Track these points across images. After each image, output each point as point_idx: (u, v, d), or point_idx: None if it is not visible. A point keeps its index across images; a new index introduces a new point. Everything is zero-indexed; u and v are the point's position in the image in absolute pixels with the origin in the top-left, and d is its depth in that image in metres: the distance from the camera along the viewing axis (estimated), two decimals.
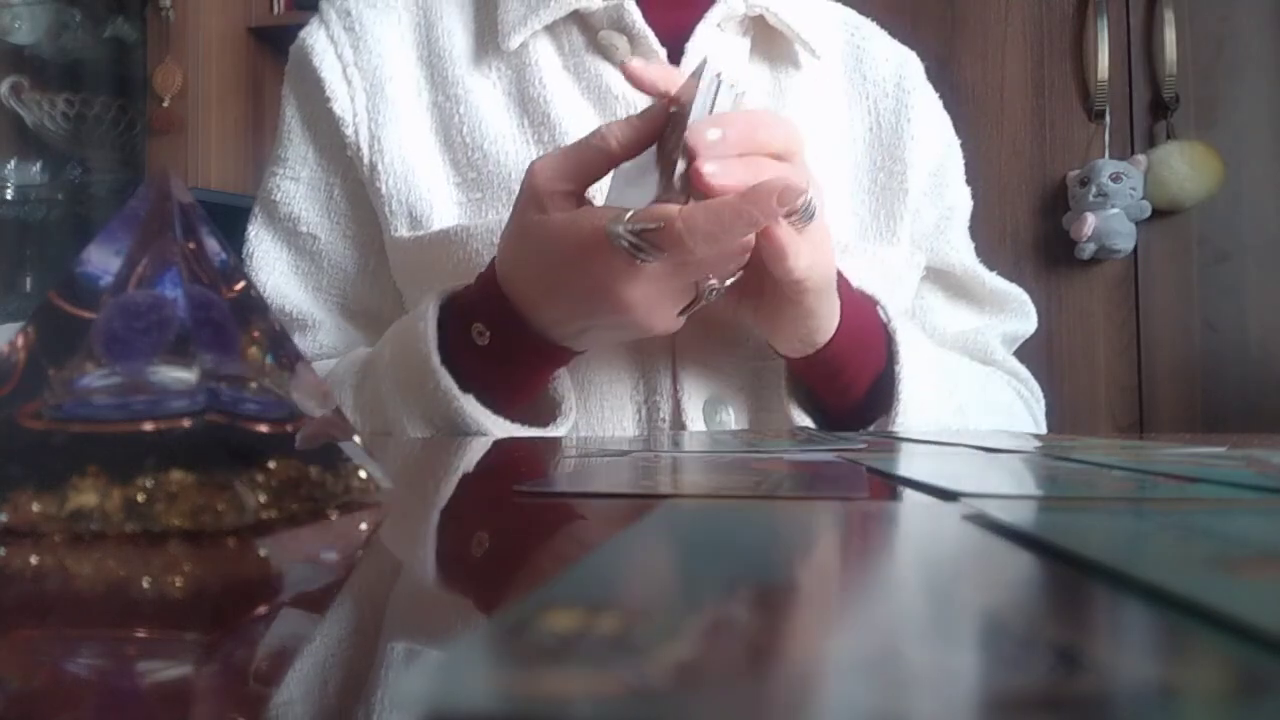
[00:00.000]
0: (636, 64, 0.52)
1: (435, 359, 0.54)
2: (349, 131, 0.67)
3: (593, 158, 0.50)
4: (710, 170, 0.45)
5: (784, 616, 0.12)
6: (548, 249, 0.50)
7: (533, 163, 0.51)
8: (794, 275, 0.49)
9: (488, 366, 0.55)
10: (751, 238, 0.47)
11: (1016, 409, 0.74)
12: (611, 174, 0.52)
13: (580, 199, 0.51)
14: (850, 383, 0.60)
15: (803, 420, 0.61)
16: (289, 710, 0.11)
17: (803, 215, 0.47)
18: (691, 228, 0.44)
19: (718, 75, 0.49)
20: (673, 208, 0.45)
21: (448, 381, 0.54)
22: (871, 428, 0.60)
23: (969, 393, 0.68)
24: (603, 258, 0.47)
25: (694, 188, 0.46)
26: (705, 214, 0.44)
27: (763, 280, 0.52)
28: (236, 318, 0.25)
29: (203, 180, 1.71)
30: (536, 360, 0.56)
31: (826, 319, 0.55)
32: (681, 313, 0.52)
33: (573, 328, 0.53)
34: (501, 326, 0.54)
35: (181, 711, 0.11)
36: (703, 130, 0.46)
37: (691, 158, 0.45)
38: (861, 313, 0.60)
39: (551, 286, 0.51)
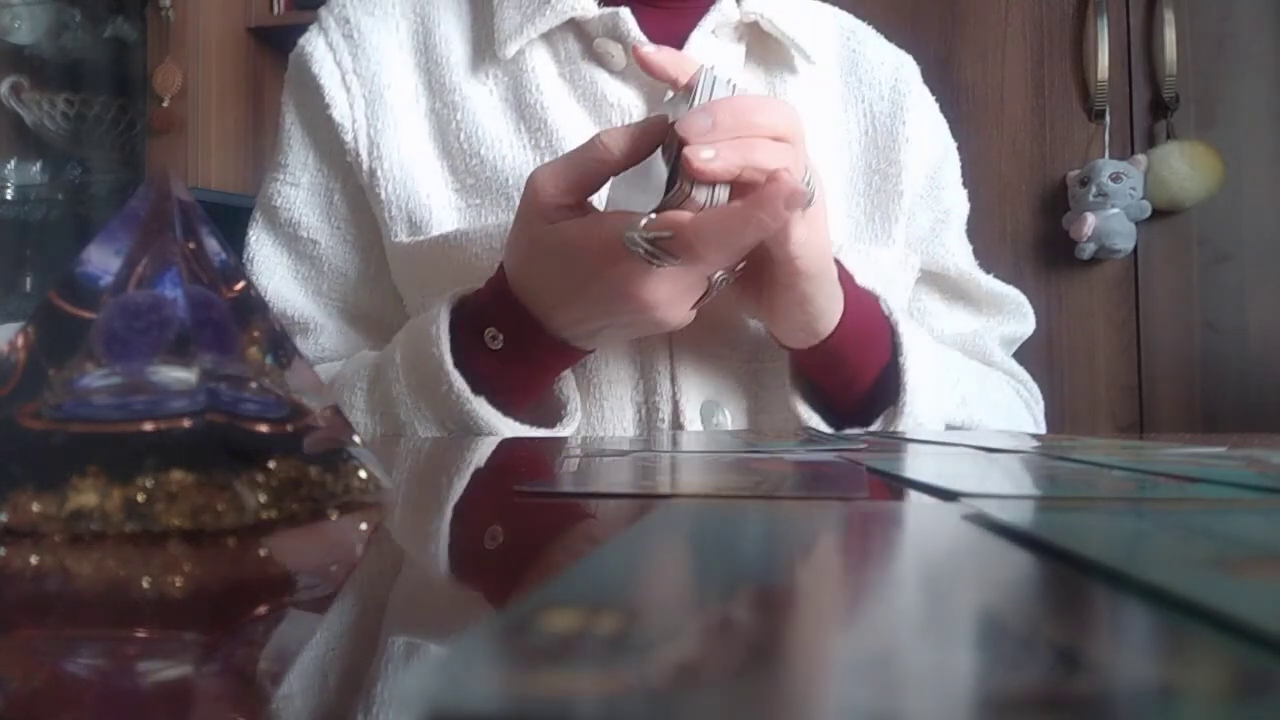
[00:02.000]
0: (648, 49, 0.52)
1: (449, 362, 0.55)
2: (348, 138, 0.67)
3: (593, 168, 0.50)
4: (703, 156, 0.45)
5: (784, 616, 0.12)
6: (562, 257, 0.51)
7: (533, 174, 0.51)
8: (789, 254, 0.50)
9: (500, 369, 0.56)
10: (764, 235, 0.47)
11: (1016, 407, 0.74)
12: (611, 180, 0.53)
13: (583, 208, 0.52)
14: (854, 376, 0.61)
15: (808, 415, 0.61)
16: (290, 710, 0.11)
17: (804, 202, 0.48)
18: (703, 235, 0.45)
19: (713, 69, 0.49)
20: (685, 215, 0.46)
21: (461, 384, 0.55)
22: (878, 421, 0.61)
23: (970, 388, 0.69)
24: (620, 263, 0.49)
25: (686, 175, 0.46)
26: (716, 221, 0.45)
27: (762, 271, 0.52)
28: (236, 318, 0.25)
29: (203, 180, 1.71)
30: (548, 360, 0.57)
31: (827, 307, 0.56)
32: (694, 305, 0.53)
33: (589, 327, 0.55)
34: (514, 330, 0.55)
35: (181, 711, 0.11)
36: (693, 118, 0.46)
37: (682, 146, 0.45)
38: (864, 306, 0.60)
39: (568, 291, 0.52)
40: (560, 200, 0.51)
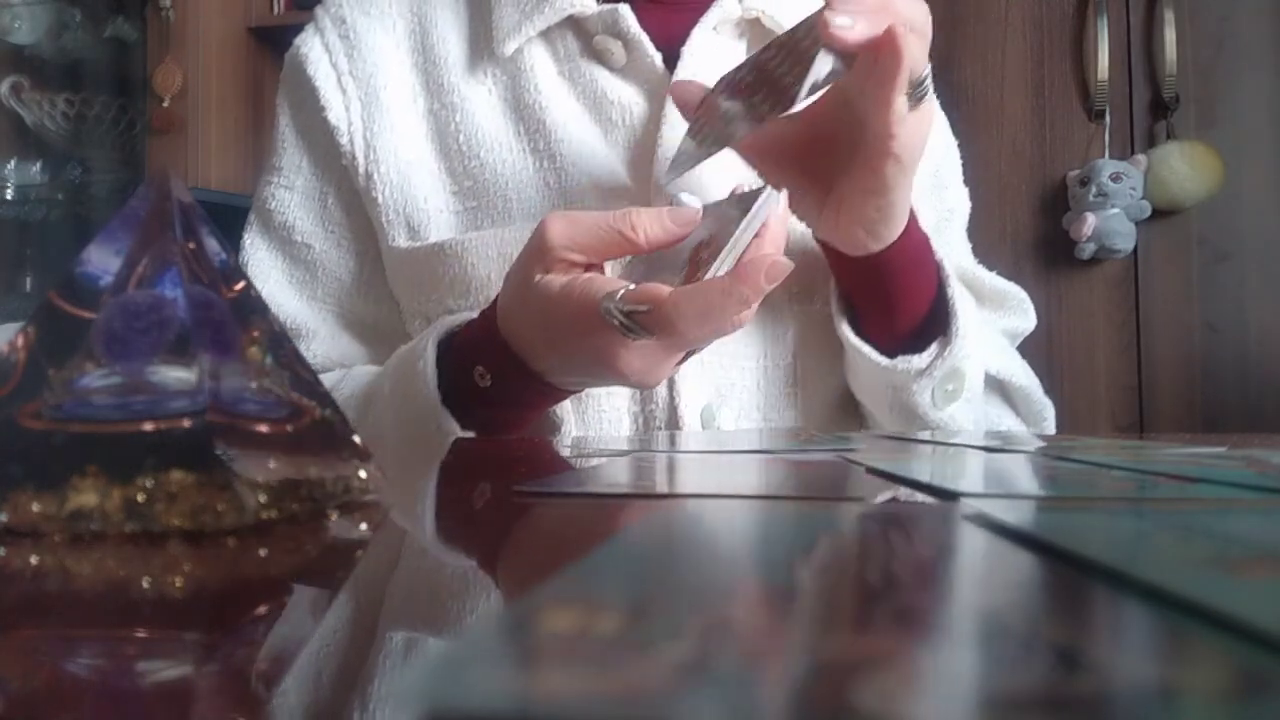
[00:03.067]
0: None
1: (437, 399, 0.55)
2: (344, 140, 0.67)
3: (614, 241, 0.49)
4: (839, 22, 0.45)
5: (784, 616, 0.12)
6: (546, 312, 0.50)
7: (548, 217, 0.50)
8: (887, 127, 0.49)
9: (489, 405, 0.56)
10: (745, 314, 0.45)
11: (1033, 378, 0.73)
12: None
13: (589, 266, 0.50)
14: (903, 298, 0.59)
15: (858, 343, 0.60)
16: (290, 710, 0.11)
17: (917, 93, 0.48)
18: (681, 312, 0.43)
19: (776, 193, 0.47)
20: (663, 289, 0.44)
21: (450, 423, 0.55)
22: (930, 350, 0.59)
23: (1002, 342, 0.69)
24: (596, 331, 0.47)
25: (821, 36, 0.45)
26: (694, 299, 0.43)
27: (849, 147, 0.52)
28: (236, 318, 0.25)
29: (203, 180, 1.71)
30: (536, 400, 0.56)
31: (898, 208, 0.54)
32: (677, 365, 0.52)
33: (571, 379, 0.54)
34: (502, 370, 0.54)
35: (182, 711, 0.11)
36: None
37: (827, 6, 0.45)
38: (920, 237, 0.59)
39: (549, 344, 0.51)
40: (566, 254, 0.49)
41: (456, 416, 0.55)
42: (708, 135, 0.53)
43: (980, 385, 0.64)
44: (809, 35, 0.48)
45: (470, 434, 0.55)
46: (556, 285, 0.49)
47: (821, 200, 0.55)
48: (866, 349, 0.60)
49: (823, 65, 0.46)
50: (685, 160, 0.54)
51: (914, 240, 0.57)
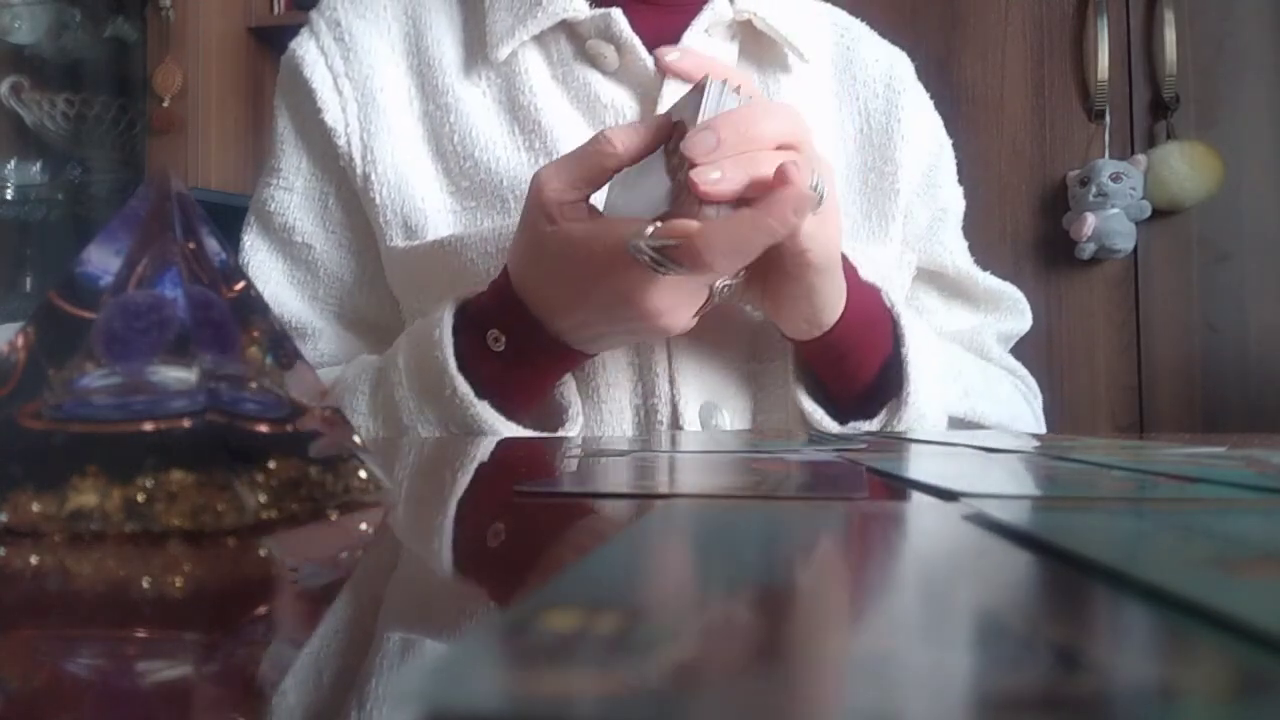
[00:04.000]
0: (672, 57, 0.53)
1: (452, 365, 0.55)
2: (341, 142, 0.67)
3: (597, 163, 0.50)
4: (709, 179, 0.45)
5: (784, 616, 0.12)
6: (566, 261, 0.51)
7: (537, 173, 0.51)
8: (800, 246, 0.50)
9: (503, 371, 0.56)
10: (776, 238, 0.47)
11: (1017, 402, 0.74)
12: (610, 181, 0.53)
13: (588, 205, 0.52)
14: (857, 367, 0.61)
15: (811, 409, 0.61)
16: (289, 710, 0.11)
17: (814, 205, 0.48)
18: (711, 244, 0.45)
19: (723, 83, 0.49)
20: (692, 224, 0.45)
21: (465, 388, 0.55)
22: (881, 413, 0.61)
23: (973, 381, 0.69)
24: (624, 270, 0.48)
25: (695, 191, 0.46)
26: (724, 231, 0.45)
27: (769, 261, 0.52)
28: (236, 318, 0.25)
29: (203, 180, 1.71)
30: (550, 364, 0.57)
31: (832, 299, 0.56)
32: (696, 313, 0.53)
33: (590, 332, 0.55)
34: (517, 332, 0.55)
35: (181, 712, 0.11)
36: (697, 136, 0.46)
37: (690, 166, 0.46)
38: (867, 297, 0.60)
39: (571, 296, 0.52)
40: (564, 196, 0.50)
41: (471, 383, 0.56)
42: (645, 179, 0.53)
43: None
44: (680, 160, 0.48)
45: (485, 401, 0.56)
46: (579, 231, 0.50)
47: (762, 290, 0.56)
48: (819, 414, 0.61)
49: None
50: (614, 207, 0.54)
51: (859, 311, 0.58)
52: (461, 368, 0.56)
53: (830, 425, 0.61)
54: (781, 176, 0.45)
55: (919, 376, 0.60)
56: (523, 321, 0.54)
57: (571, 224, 0.50)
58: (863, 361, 0.61)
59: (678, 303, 0.51)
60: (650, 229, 0.46)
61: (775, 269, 0.53)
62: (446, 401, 0.56)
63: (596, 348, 0.58)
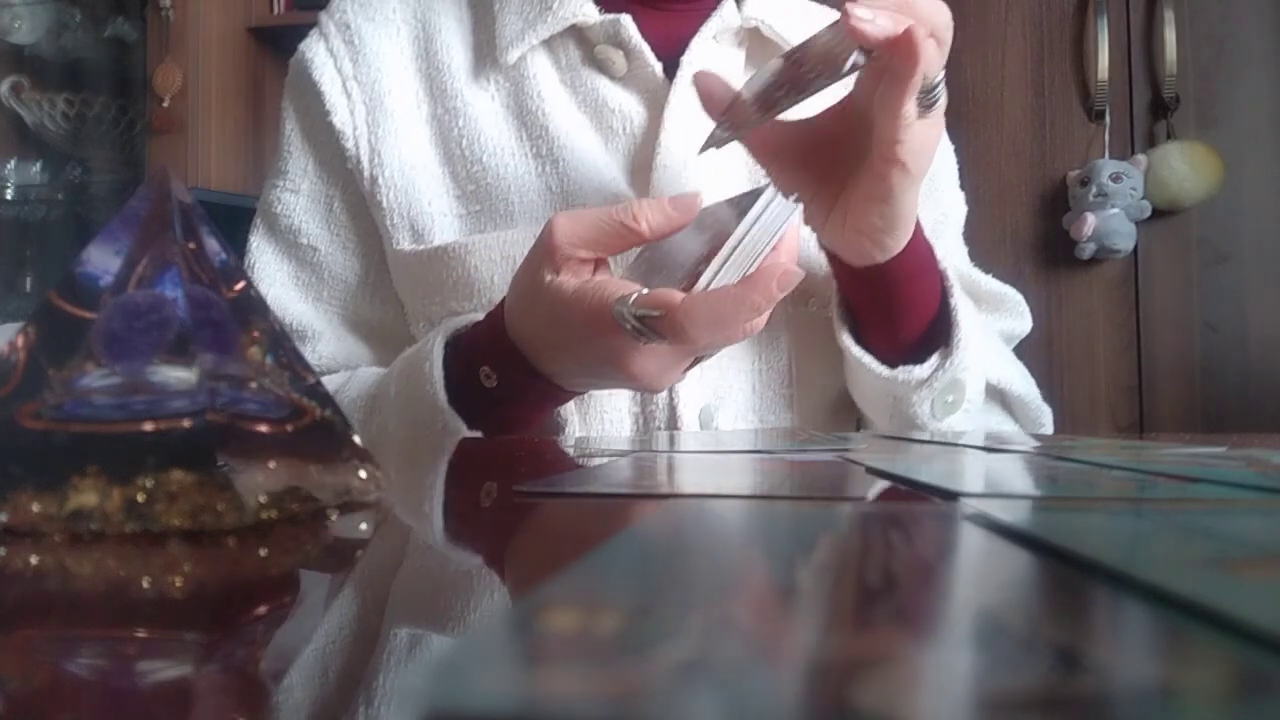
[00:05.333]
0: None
1: (443, 400, 0.55)
2: (349, 144, 0.67)
3: (618, 233, 0.49)
4: (860, 14, 0.44)
5: (783, 616, 0.12)
6: (556, 314, 0.50)
7: (554, 217, 0.50)
8: (894, 135, 0.48)
9: (495, 406, 0.56)
10: (756, 321, 0.46)
11: (1031, 384, 0.74)
12: (641, 248, 0.52)
13: (597, 265, 0.51)
14: (904, 311, 0.59)
15: (859, 353, 0.60)
16: (290, 710, 0.11)
17: (927, 99, 0.48)
18: (693, 317, 0.44)
19: (774, 191, 0.47)
20: (675, 295, 0.44)
21: (456, 423, 0.55)
22: (932, 358, 0.59)
23: (1002, 352, 0.69)
24: (608, 334, 0.47)
25: (846, 25, 0.45)
26: (706, 305, 0.44)
27: (855, 160, 0.51)
28: (236, 318, 0.25)
29: (203, 180, 1.71)
30: (542, 400, 0.57)
31: (905, 216, 0.54)
32: (685, 370, 0.52)
33: (578, 381, 0.54)
34: (509, 371, 0.54)
35: (181, 712, 0.11)
36: None
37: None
38: (925, 246, 0.59)
39: (559, 347, 0.52)
40: (573, 251, 0.49)
41: (463, 417, 0.55)
42: (742, 121, 0.53)
43: (980, 396, 0.64)
44: (838, 39, 0.48)
45: (476, 433, 0.56)
46: (569, 288, 0.49)
47: (829, 206, 0.55)
48: (868, 359, 0.60)
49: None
50: (718, 139, 0.54)
51: (918, 250, 0.57)
52: (453, 399, 0.55)
53: (879, 369, 0.59)
54: (909, 46, 0.45)
55: (968, 330, 0.59)
56: (513, 360, 0.54)
57: (567, 278, 0.49)
58: (912, 303, 0.59)
59: (662, 368, 0.50)
60: (634, 297, 0.45)
61: (861, 168, 0.52)
62: (438, 434, 0.56)
63: (587, 390, 0.58)
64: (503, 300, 0.55)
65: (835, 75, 0.47)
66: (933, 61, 0.46)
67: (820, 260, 0.62)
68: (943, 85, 0.48)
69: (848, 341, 0.60)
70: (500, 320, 0.54)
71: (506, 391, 0.55)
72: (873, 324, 0.61)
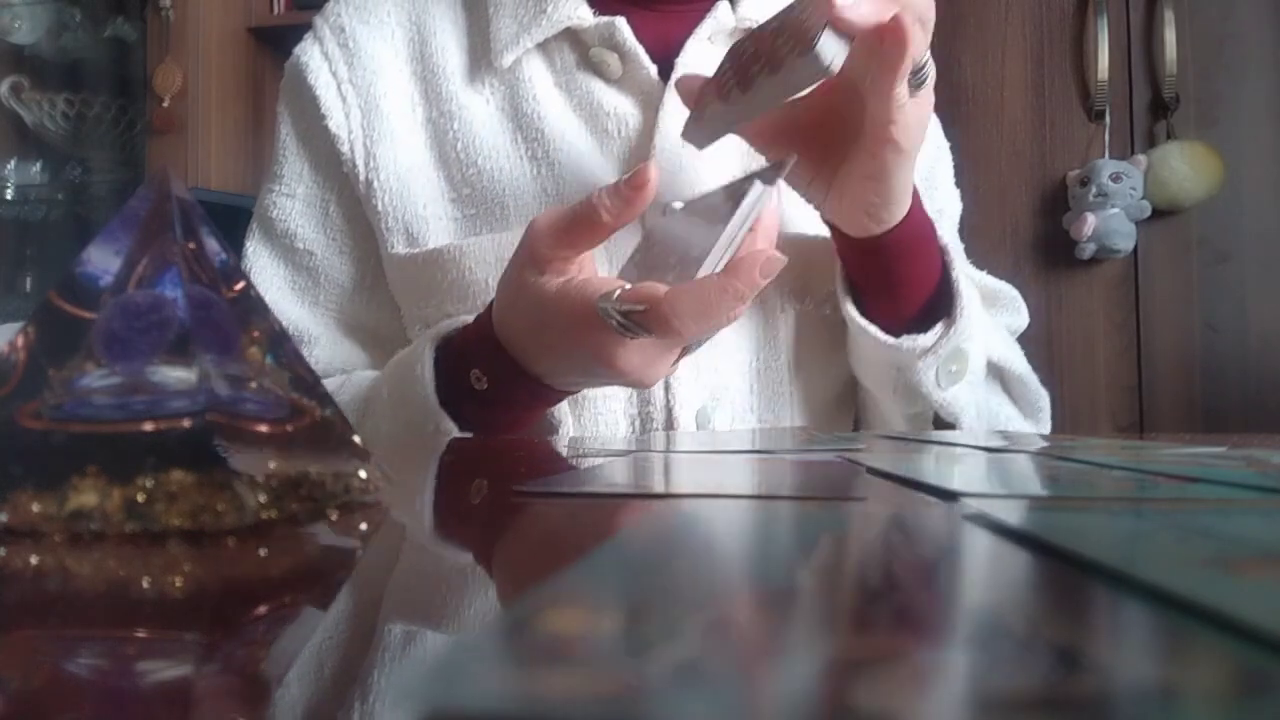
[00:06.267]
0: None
1: (434, 402, 0.55)
2: (344, 148, 0.67)
3: (587, 224, 0.49)
4: (844, 2, 0.44)
5: (783, 616, 0.12)
6: (542, 314, 0.50)
7: (535, 219, 0.51)
8: (888, 114, 0.49)
9: (486, 408, 0.56)
10: (740, 308, 0.45)
11: (1029, 367, 0.74)
12: (634, 249, 0.53)
13: (576, 261, 0.51)
14: (905, 281, 0.60)
15: (864, 324, 0.60)
16: (289, 710, 0.11)
17: (916, 79, 0.48)
18: (677, 309, 0.44)
19: (758, 182, 0.47)
20: (659, 288, 0.44)
21: (448, 425, 0.55)
22: (935, 328, 0.59)
23: (1001, 330, 0.69)
24: (593, 330, 0.47)
25: (830, 13, 0.45)
26: (690, 296, 0.44)
27: (849, 137, 0.52)
28: (236, 318, 0.25)
29: (203, 180, 1.71)
30: (533, 401, 0.57)
31: (899, 192, 0.55)
32: (674, 363, 0.52)
33: (567, 380, 0.54)
34: (499, 373, 0.54)
35: (181, 711, 0.11)
36: None
37: None
38: (924, 218, 0.60)
39: (546, 347, 0.52)
40: (553, 252, 0.49)
41: (454, 419, 0.56)
42: (723, 96, 0.53)
43: (982, 369, 0.65)
44: (807, 11, 0.48)
45: (469, 435, 0.56)
46: (552, 287, 0.49)
47: (828, 182, 0.55)
48: (872, 328, 0.60)
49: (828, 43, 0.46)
50: (709, 123, 0.54)
51: (916, 223, 0.58)
52: (444, 401, 0.55)
53: (884, 338, 0.60)
54: (898, 32, 0.45)
55: (969, 302, 0.59)
56: (503, 362, 0.54)
57: (551, 278, 0.50)
58: (912, 275, 0.60)
59: (649, 361, 0.49)
60: (618, 292, 0.45)
61: (855, 147, 0.53)
62: (431, 436, 0.56)
63: (576, 389, 0.58)
64: (491, 303, 0.55)
65: (806, 48, 0.47)
66: (919, 44, 0.47)
67: (817, 254, 0.63)
68: (930, 62, 0.49)
69: (851, 312, 0.61)
70: (489, 322, 0.55)
71: (497, 393, 0.55)
72: (875, 297, 0.61)
